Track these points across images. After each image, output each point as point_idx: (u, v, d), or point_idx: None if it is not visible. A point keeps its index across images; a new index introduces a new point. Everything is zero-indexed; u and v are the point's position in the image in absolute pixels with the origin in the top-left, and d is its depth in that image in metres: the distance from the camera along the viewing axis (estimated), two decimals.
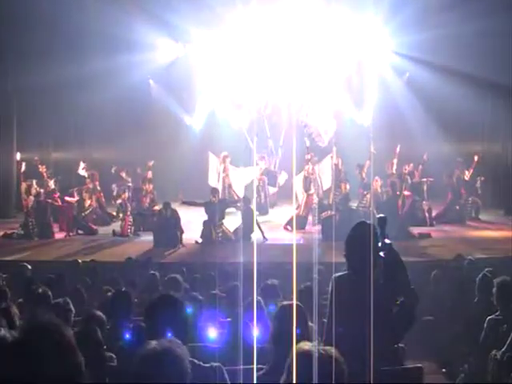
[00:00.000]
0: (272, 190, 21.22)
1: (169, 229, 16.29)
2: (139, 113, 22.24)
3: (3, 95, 20.24)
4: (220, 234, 16.53)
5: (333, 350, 3.16)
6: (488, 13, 18.21)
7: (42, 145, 21.75)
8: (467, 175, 20.10)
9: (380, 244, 4.99)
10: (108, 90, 20.08)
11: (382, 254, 4.95)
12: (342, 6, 20.03)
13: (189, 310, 4.33)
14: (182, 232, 16.55)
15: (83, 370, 3.00)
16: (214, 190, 17.35)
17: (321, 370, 3.00)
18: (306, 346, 3.20)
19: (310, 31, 20.82)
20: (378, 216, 5.23)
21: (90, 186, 19.34)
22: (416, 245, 14.97)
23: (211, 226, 16.37)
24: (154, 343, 3.12)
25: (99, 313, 6.21)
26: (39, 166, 18.89)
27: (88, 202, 18.86)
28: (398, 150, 19.47)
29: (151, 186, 19.25)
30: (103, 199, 20.26)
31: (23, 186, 17.96)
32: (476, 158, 20.09)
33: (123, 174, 19.61)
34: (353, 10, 20.18)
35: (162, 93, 22.76)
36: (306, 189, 18.39)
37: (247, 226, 16.06)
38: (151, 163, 20.00)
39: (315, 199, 18.41)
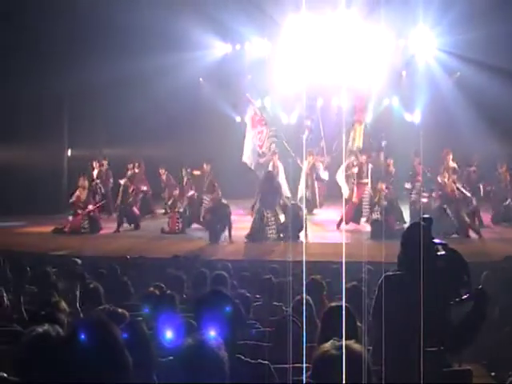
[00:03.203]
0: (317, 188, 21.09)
1: (219, 223, 16.50)
2: (189, 111, 22.39)
3: (55, 94, 20.52)
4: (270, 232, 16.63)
5: (355, 346, 3.13)
6: None
7: (93, 143, 22.04)
8: None
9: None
10: (158, 89, 20.29)
11: (440, 253, 4.91)
12: (392, 6, 19.87)
13: (238, 306, 4.34)
14: (231, 227, 16.72)
15: (130, 369, 3.04)
16: None
17: (343, 368, 2.98)
18: (327, 345, 3.18)
19: (361, 30, 20.75)
20: (423, 217, 5.20)
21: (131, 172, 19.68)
22: (466, 245, 14.80)
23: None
24: (189, 339, 3.17)
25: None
26: (102, 163, 19.65)
27: (132, 188, 19.14)
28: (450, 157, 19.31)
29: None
30: (149, 192, 20.57)
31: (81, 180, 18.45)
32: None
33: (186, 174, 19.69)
34: (403, 8, 19.99)
35: (212, 91, 22.86)
36: (360, 178, 18.25)
37: (295, 223, 16.12)
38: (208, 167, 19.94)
39: (367, 191, 18.29)
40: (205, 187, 19.04)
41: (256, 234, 16.51)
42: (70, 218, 18.28)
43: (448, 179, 17.39)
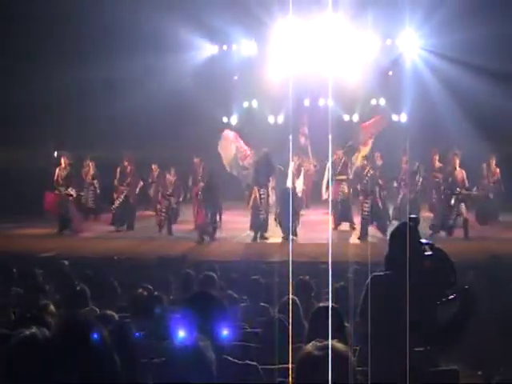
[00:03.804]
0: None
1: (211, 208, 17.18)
2: (176, 112, 22.33)
3: (43, 95, 20.44)
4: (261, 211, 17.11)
5: (338, 345, 3.14)
6: None
7: (80, 144, 21.96)
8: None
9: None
10: (145, 90, 20.21)
11: (427, 253, 4.94)
12: (379, 7, 19.93)
13: (226, 307, 4.34)
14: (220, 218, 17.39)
15: (117, 370, 3.04)
16: None
17: (326, 368, 2.98)
18: (309, 346, 3.18)
19: (347, 31, 20.80)
20: (410, 216, 5.23)
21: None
22: (452, 244, 14.87)
23: None
24: (177, 340, 3.19)
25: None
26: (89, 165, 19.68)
27: (129, 168, 19.16)
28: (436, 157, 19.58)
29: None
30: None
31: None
32: (493, 159, 19.97)
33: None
34: (390, 10, 20.05)
35: (199, 92, 22.81)
36: (336, 174, 18.23)
37: (286, 205, 16.39)
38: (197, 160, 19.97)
39: (343, 187, 18.31)
40: (200, 176, 18.99)
41: (255, 220, 16.94)
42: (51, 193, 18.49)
43: (459, 166, 17.42)
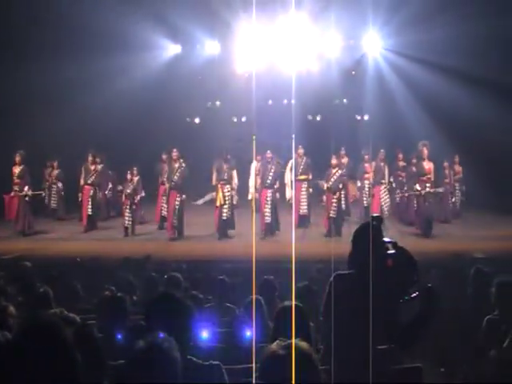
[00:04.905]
0: None
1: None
2: (139, 112, 22.22)
3: (4, 98, 20.23)
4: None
5: (301, 344, 3.14)
6: (483, 15, 18.48)
7: (39, 147, 21.75)
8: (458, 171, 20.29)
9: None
10: (107, 90, 20.08)
11: (390, 252, 4.96)
12: (342, 7, 20.04)
13: (190, 308, 4.33)
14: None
15: (80, 370, 3.02)
16: None
17: (288, 368, 2.99)
18: (273, 345, 3.19)
19: (311, 31, 20.87)
20: (372, 215, 5.25)
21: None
22: (415, 243, 15.02)
23: None
24: (141, 341, 3.17)
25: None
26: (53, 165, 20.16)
27: (93, 166, 19.06)
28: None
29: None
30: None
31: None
32: (457, 158, 20.27)
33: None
34: (353, 9, 20.18)
35: (162, 92, 22.75)
36: (296, 174, 18.22)
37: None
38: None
39: (304, 187, 18.37)
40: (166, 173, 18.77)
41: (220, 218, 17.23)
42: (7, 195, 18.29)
43: (428, 158, 17.45)
